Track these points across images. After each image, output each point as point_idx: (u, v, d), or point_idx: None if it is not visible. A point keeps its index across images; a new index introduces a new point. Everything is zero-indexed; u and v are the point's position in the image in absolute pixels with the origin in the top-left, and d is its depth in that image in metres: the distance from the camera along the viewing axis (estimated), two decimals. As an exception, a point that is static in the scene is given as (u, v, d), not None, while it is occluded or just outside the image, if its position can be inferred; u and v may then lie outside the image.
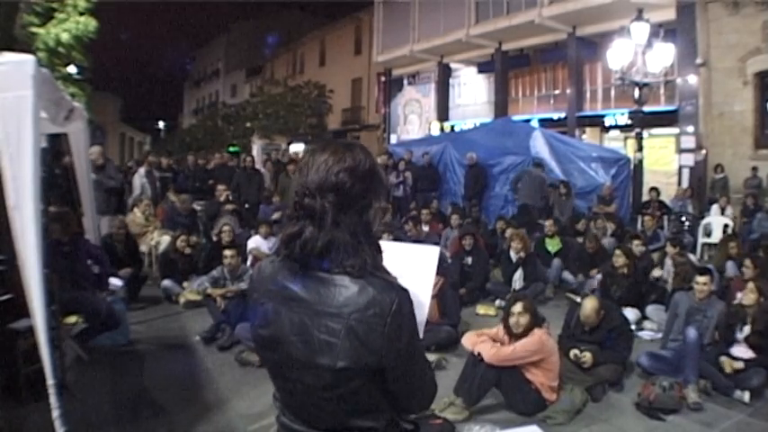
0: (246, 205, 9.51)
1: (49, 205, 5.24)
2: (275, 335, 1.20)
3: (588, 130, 16.12)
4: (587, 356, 4.08)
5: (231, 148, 19.50)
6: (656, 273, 6.43)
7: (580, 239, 7.98)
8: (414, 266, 1.50)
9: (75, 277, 4.82)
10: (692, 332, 4.10)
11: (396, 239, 6.21)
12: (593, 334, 4.29)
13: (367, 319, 1.11)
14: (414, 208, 9.88)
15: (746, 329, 4.14)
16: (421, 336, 1.41)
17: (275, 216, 8.38)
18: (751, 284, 4.26)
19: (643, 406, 3.77)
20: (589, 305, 4.30)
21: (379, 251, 1.21)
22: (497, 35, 17.50)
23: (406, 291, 1.17)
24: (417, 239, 7.71)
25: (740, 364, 3.98)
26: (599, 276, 6.57)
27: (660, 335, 5.11)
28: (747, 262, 5.40)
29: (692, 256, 7.02)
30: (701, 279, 4.49)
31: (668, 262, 6.49)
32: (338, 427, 1.20)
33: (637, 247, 6.72)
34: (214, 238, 7.29)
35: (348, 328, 1.11)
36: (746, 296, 4.21)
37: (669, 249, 6.45)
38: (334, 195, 1.14)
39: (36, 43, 9.19)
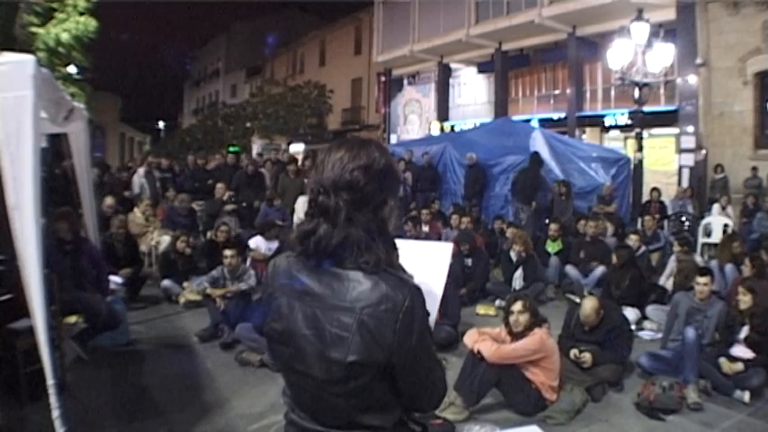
0: (244, 204, 9.51)
1: (53, 206, 5.26)
2: (289, 328, 1.21)
3: (588, 130, 16.12)
4: (587, 356, 4.08)
5: (231, 148, 19.49)
6: (663, 279, 6.44)
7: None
8: (427, 263, 1.51)
9: (77, 277, 4.82)
10: (690, 332, 4.10)
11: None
12: (593, 334, 4.29)
13: (379, 314, 1.12)
14: (414, 208, 9.88)
15: (745, 330, 4.15)
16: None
17: (278, 221, 8.36)
18: (742, 287, 4.26)
19: (643, 406, 3.77)
20: (589, 305, 4.30)
21: (394, 248, 1.22)
22: (497, 35, 17.51)
23: (418, 288, 1.18)
24: (417, 239, 7.71)
25: (740, 366, 3.98)
26: (601, 268, 6.60)
27: (660, 335, 5.11)
28: (747, 262, 5.41)
29: (696, 257, 7.04)
30: (701, 280, 4.49)
31: (671, 260, 6.51)
32: (347, 424, 1.20)
33: (634, 242, 6.80)
34: (210, 236, 7.32)
35: (360, 323, 1.12)
36: (741, 300, 4.21)
37: (676, 248, 6.45)
38: (348, 193, 1.15)
39: (36, 43, 9.19)
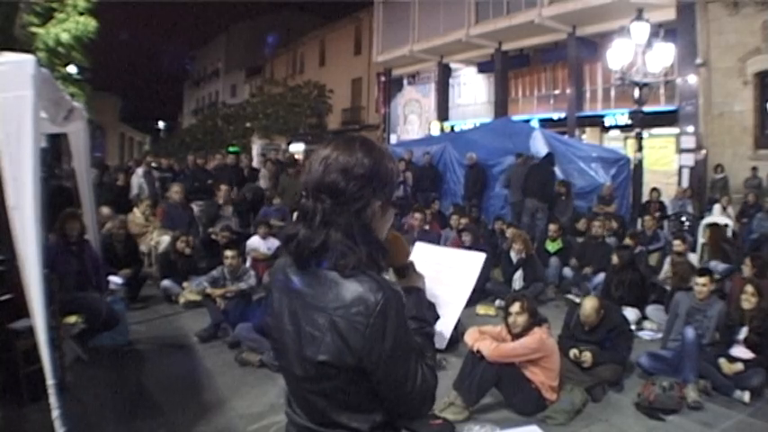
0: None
1: (59, 206, 5.25)
2: (276, 323, 1.25)
3: (588, 130, 16.12)
4: (587, 356, 4.08)
5: (231, 148, 19.50)
6: (662, 275, 6.44)
7: (580, 239, 7.98)
8: (456, 272, 1.50)
9: (81, 277, 4.82)
10: (690, 332, 4.10)
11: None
12: (593, 334, 4.29)
13: (350, 316, 1.11)
14: (415, 208, 9.88)
15: (744, 330, 4.15)
16: (445, 343, 1.42)
17: (274, 221, 8.34)
18: (750, 288, 4.25)
19: (643, 406, 3.77)
20: (589, 305, 4.30)
21: (379, 250, 1.19)
22: (497, 35, 17.51)
23: (396, 292, 1.16)
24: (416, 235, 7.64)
25: (739, 366, 3.98)
26: (601, 275, 6.60)
27: (660, 335, 5.11)
28: (747, 261, 5.41)
29: (692, 256, 7.03)
30: (700, 280, 4.49)
31: (667, 261, 6.51)
32: (327, 422, 1.21)
33: (631, 244, 6.79)
34: (212, 236, 7.31)
35: (331, 323, 1.12)
36: (746, 300, 4.20)
37: (676, 244, 6.44)
38: (328, 196, 1.15)
39: (36, 43, 9.19)
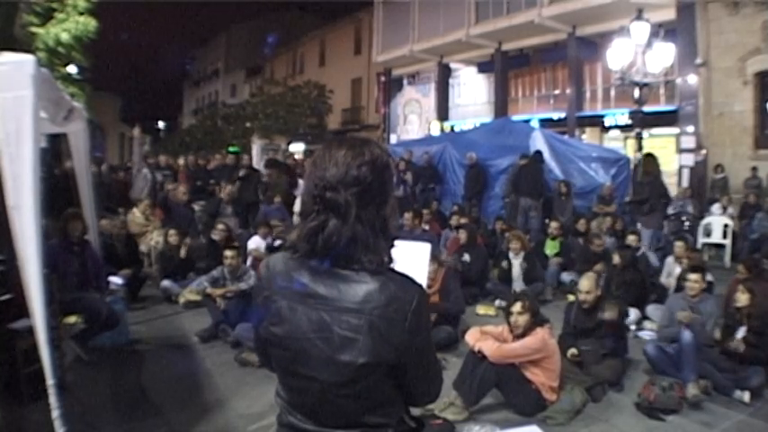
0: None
1: (59, 206, 5.24)
2: (291, 332, 1.18)
3: (588, 130, 16.13)
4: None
5: (231, 148, 19.50)
6: (664, 279, 6.43)
7: (581, 240, 7.95)
8: (405, 264, 1.51)
9: (82, 277, 4.82)
10: (686, 335, 4.09)
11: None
12: (591, 317, 4.32)
13: (388, 315, 1.12)
14: (416, 208, 9.88)
15: (743, 330, 4.15)
16: None
17: (274, 221, 8.34)
18: (741, 286, 4.27)
19: (643, 406, 3.77)
20: (586, 280, 4.38)
21: (393, 247, 1.22)
22: (497, 35, 17.52)
23: (421, 287, 1.20)
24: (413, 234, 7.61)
25: (741, 347, 3.99)
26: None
27: (660, 335, 5.10)
28: (740, 267, 5.41)
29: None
30: (692, 276, 4.51)
31: (669, 261, 6.50)
32: (351, 425, 1.19)
33: (633, 243, 6.86)
34: (214, 237, 7.31)
35: (370, 324, 1.12)
36: (739, 298, 4.21)
37: (678, 245, 6.44)
38: (356, 189, 1.14)
39: (36, 43, 9.19)
